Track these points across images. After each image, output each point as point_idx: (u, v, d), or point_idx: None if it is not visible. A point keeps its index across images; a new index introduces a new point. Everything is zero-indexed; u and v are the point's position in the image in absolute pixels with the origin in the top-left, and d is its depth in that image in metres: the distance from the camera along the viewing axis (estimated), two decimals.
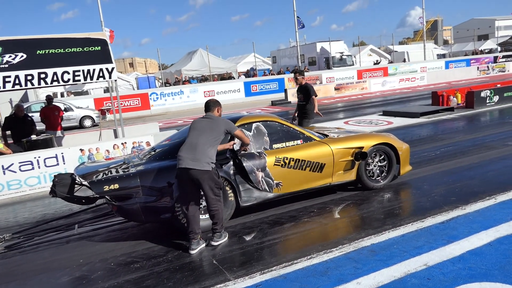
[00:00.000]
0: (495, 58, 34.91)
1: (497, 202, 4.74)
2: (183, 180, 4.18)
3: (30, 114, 10.44)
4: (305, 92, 7.85)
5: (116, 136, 9.56)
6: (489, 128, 9.50)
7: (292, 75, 26.87)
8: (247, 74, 32.47)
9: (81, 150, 7.80)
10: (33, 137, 8.62)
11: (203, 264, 3.96)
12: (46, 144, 8.31)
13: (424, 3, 34.03)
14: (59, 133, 10.07)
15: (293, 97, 22.33)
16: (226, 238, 4.40)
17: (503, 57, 35.55)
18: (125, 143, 8.24)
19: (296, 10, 28.83)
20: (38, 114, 10.57)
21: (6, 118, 9.45)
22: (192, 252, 4.17)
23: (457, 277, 3.22)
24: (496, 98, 13.27)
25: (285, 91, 22.79)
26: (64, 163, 7.58)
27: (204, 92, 23.31)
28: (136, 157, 5.21)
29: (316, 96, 7.81)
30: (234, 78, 29.30)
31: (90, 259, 4.29)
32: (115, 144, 8.17)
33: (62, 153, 7.61)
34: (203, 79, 29.01)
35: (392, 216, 4.64)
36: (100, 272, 3.97)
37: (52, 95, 11.23)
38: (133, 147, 8.21)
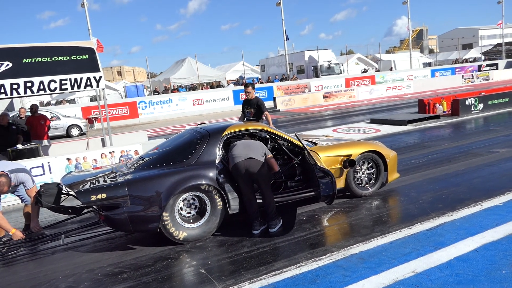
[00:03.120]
0: (479, 66, 35.62)
1: (483, 208, 4.80)
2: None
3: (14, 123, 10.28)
4: (257, 107, 7.39)
5: (104, 145, 9.48)
6: (474, 136, 9.65)
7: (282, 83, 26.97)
8: (237, 82, 32.55)
9: (68, 159, 7.71)
10: (19, 146, 8.49)
11: (192, 273, 3.92)
12: (32, 153, 8.19)
13: (410, 13, 34.63)
14: (45, 142, 9.95)
15: (282, 105, 22.47)
16: (281, 222, 4.80)
17: (487, 65, 36.28)
18: (113, 152, 8.18)
19: (286, 19, 29.15)
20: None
21: None
22: (255, 232, 4.68)
23: (444, 284, 3.25)
24: (480, 106, 13.52)
25: (274, 99, 22.90)
26: (50, 173, 7.48)
27: (193, 100, 23.29)
28: (124, 166, 5.17)
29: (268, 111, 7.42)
30: (223, 87, 29.35)
31: (76, 270, 4.22)
32: (102, 153, 8.10)
33: (48, 163, 7.51)
34: (192, 87, 29.01)
35: (380, 223, 4.67)
36: (87, 283, 3.91)
37: (38, 104, 11.11)
38: (121, 156, 8.15)
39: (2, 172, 4.73)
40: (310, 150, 5.37)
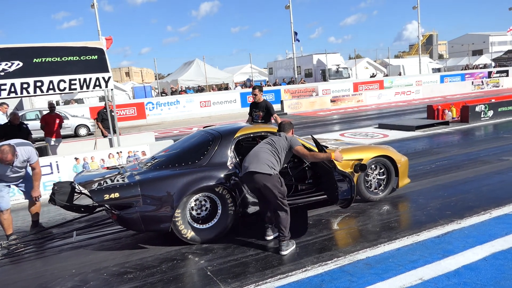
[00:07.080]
0: (489, 73, 35.31)
1: (492, 217, 4.75)
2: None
3: (25, 122, 10.40)
4: (266, 110, 7.39)
5: (111, 145, 9.52)
6: (484, 143, 9.56)
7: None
8: (244, 84, 32.57)
9: (76, 158, 7.76)
10: None
11: (197, 275, 3.92)
12: (40, 152, 8.24)
13: (420, 18, 34.48)
14: (53, 141, 10.05)
15: (289, 109, 22.45)
16: (294, 246, 4.32)
17: (497, 72, 35.95)
18: (120, 152, 8.21)
19: (295, 23, 29.21)
20: (39, 120, 10.61)
21: (0, 125, 9.40)
22: (268, 238, 4.61)
23: None
24: (490, 113, 13.39)
25: (282, 102, 22.87)
26: (58, 172, 7.53)
27: (200, 102, 23.34)
28: (137, 166, 5.19)
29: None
30: (231, 89, 29.40)
31: (82, 269, 4.24)
32: (110, 153, 8.14)
33: (56, 162, 7.57)
34: (200, 89, 29.07)
35: (387, 229, 4.64)
36: (93, 283, 3.92)
37: (54, 102, 11.25)
38: (129, 157, 8.18)
39: (4, 143, 4.80)
40: None
